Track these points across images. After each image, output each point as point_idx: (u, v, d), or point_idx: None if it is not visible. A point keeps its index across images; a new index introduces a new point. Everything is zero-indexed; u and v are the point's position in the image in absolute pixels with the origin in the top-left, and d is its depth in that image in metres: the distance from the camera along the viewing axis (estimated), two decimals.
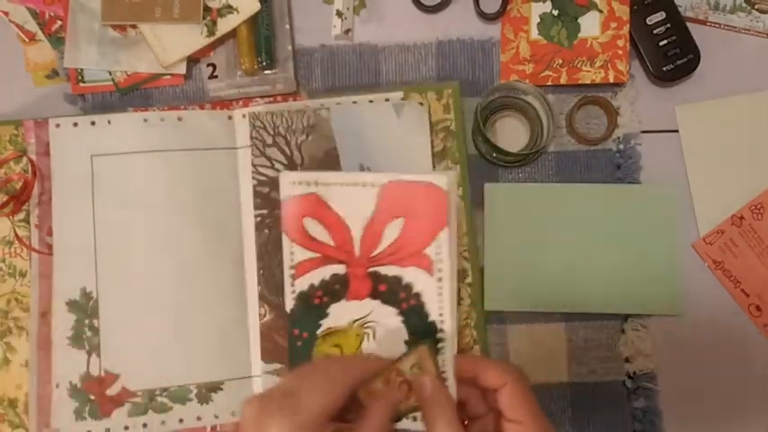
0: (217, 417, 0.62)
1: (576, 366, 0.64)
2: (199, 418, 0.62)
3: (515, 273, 0.65)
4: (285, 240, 0.54)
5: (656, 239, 0.65)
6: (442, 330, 0.51)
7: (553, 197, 0.65)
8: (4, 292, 0.65)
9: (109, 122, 0.64)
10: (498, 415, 0.48)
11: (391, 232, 0.53)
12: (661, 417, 0.64)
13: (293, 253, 0.54)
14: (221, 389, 0.62)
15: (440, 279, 0.52)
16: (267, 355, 0.62)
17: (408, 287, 0.52)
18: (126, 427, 0.61)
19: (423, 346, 0.51)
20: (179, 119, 0.64)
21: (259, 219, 0.63)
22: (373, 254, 0.53)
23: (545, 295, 0.65)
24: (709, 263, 0.66)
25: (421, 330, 0.52)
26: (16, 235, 0.64)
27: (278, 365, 0.62)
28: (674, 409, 0.64)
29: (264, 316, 0.63)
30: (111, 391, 0.61)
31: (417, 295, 0.52)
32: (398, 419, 0.51)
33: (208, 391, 0.62)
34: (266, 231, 0.63)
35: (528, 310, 0.65)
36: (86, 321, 0.62)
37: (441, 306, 0.52)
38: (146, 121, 0.64)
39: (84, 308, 0.62)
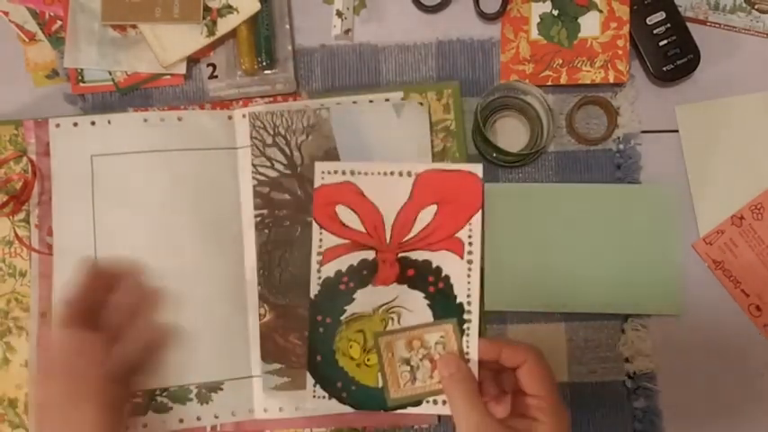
0: (217, 417, 0.62)
1: (576, 366, 0.64)
2: (199, 419, 0.62)
3: (515, 273, 0.65)
4: (314, 227, 0.57)
5: (656, 239, 0.65)
6: (468, 312, 0.54)
7: (553, 197, 0.65)
8: (4, 292, 0.65)
9: (109, 122, 0.64)
10: (517, 393, 0.51)
11: (424, 218, 0.55)
12: (661, 417, 0.64)
13: (322, 239, 0.57)
14: (221, 389, 0.62)
15: (470, 261, 0.55)
16: (267, 355, 0.62)
17: (438, 270, 0.55)
18: (126, 428, 0.61)
19: (449, 324, 0.54)
20: (179, 119, 0.64)
21: (259, 219, 0.63)
22: (404, 239, 0.56)
23: (545, 295, 0.65)
24: (708, 263, 0.66)
25: (447, 313, 0.55)
26: (16, 235, 0.64)
27: (278, 365, 0.62)
28: (674, 409, 0.64)
29: (264, 316, 0.63)
30: None
31: (446, 278, 0.55)
32: (419, 403, 0.54)
33: (208, 392, 0.62)
34: (266, 231, 0.63)
35: (528, 310, 0.65)
36: None
37: (469, 288, 0.55)
38: (146, 121, 0.64)
39: None
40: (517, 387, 0.51)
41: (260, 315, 0.63)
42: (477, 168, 0.55)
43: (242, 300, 0.63)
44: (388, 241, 0.56)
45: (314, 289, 0.57)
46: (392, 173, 0.56)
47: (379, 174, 0.56)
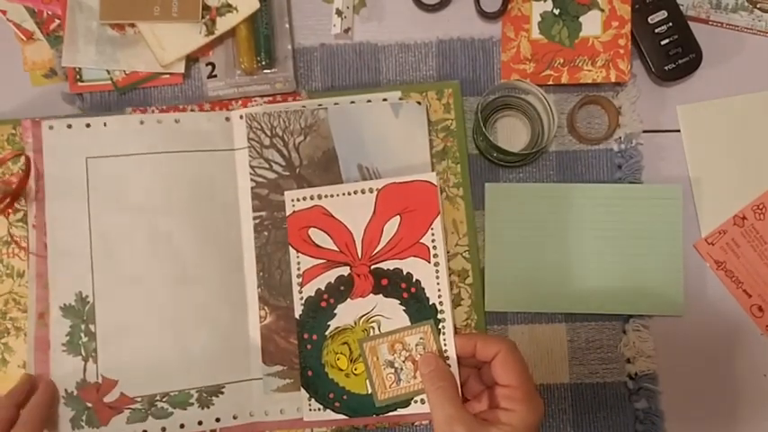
0: (218, 420, 0.61)
1: (578, 367, 0.64)
2: (200, 423, 0.61)
3: (516, 273, 0.64)
4: (292, 252, 0.60)
5: (658, 239, 0.64)
6: (442, 312, 0.57)
7: (554, 197, 0.65)
8: (2, 292, 0.64)
9: (105, 125, 0.63)
10: (492, 386, 0.52)
11: (390, 229, 0.59)
12: (663, 418, 0.64)
13: (300, 262, 0.60)
14: (222, 392, 0.62)
15: (436, 264, 0.58)
16: (268, 358, 0.62)
17: (409, 276, 0.59)
18: None
19: (426, 325, 0.57)
20: (176, 120, 0.64)
21: (258, 221, 0.63)
22: (374, 252, 0.59)
23: (546, 296, 0.64)
24: (710, 263, 0.65)
25: (422, 315, 0.57)
26: (11, 235, 0.63)
27: (280, 367, 0.62)
28: (676, 410, 0.64)
29: (265, 318, 0.62)
30: (110, 397, 0.60)
31: (417, 282, 0.59)
32: (407, 404, 0.57)
33: (209, 395, 0.61)
34: (265, 233, 0.63)
35: (529, 310, 0.65)
36: (82, 326, 0.61)
37: (439, 289, 0.58)
38: (142, 123, 0.63)
39: (80, 312, 0.61)
40: (494, 380, 0.52)
41: (260, 317, 0.62)
42: (432, 176, 0.59)
43: (241, 302, 0.63)
44: (359, 256, 0.59)
45: (297, 309, 0.60)
46: (355, 192, 0.60)
47: (343, 194, 0.60)
